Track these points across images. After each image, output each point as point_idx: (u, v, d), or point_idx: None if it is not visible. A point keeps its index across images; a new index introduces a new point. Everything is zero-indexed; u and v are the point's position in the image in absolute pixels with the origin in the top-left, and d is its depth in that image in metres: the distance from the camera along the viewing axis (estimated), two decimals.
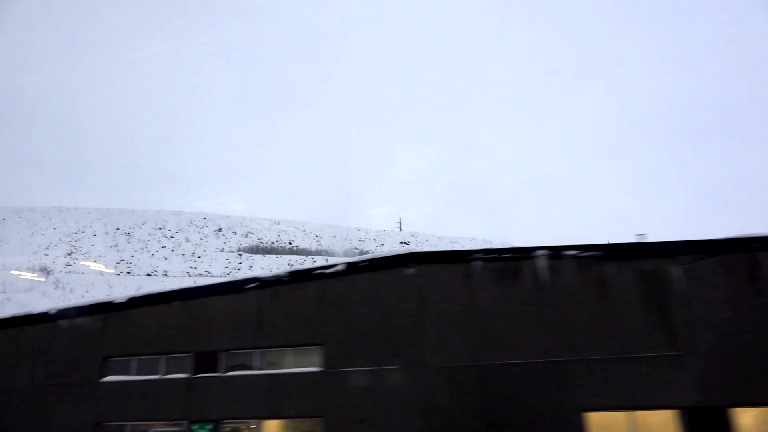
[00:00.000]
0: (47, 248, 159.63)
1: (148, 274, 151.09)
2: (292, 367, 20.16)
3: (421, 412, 18.15)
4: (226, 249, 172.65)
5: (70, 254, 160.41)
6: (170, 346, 21.58)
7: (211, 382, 20.64)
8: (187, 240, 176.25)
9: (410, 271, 19.55)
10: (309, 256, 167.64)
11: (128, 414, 21.37)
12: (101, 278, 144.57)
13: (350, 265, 20.27)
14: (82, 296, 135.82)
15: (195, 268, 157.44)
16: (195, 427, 20.39)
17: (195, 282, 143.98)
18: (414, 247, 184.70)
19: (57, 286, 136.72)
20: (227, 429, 20.38)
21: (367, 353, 19.23)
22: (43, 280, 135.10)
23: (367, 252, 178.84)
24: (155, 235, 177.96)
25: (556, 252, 18.32)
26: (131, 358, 22.06)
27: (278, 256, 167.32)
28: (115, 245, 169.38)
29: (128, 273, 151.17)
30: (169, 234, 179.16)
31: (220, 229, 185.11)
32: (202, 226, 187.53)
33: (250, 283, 21.22)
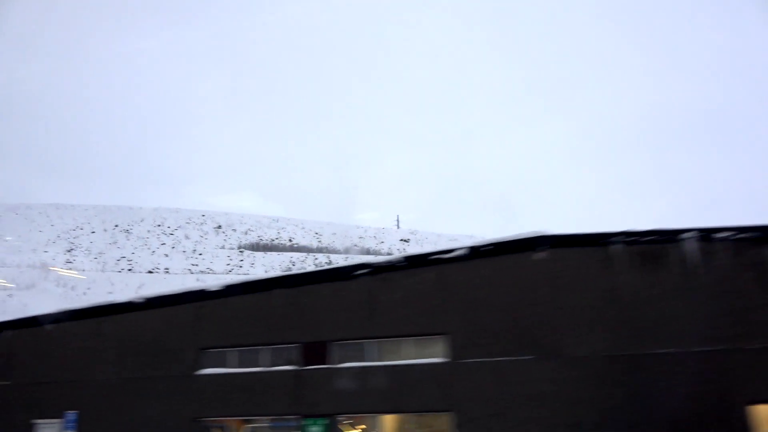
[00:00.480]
0: (46, 245, 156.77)
1: (150, 272, 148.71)
2: (411, 358, 18.82)
3: (563, 405, 16.87)
4: (227, 246, 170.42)
5: (69, 251, 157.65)
6: (273, 336, 20.16)
7: (322, 374, 19.24)
8: (187, 237, 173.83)
9: (540, 255, 18.24)
10: (311, 254, 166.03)
11: (229, 408, 19.93)
12: (102, 275, 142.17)
13: (472, 249, 18.94)
14: (84, 293, 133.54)
15: (196, 265, 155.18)
16: (307, 422, 18.99)
17: (198, 280, 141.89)
18: (414, 245, 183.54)
19: (58, 284, 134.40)
20: (346, 423, 19.05)
21: (496, 343, 17.93)
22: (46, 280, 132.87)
23: (368, 250, 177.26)
24: (154, 232, 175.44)
25: (706, 234, 17.10)
26: (229, 349, 20.61)
27: (279, 253, 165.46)
28: (115, 242, 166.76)
29: (129, 270, 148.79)
30: (168, 231, 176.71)
31: (219, 227, 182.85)
32: (201, 224, 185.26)
33: (360, 269, 19.84)
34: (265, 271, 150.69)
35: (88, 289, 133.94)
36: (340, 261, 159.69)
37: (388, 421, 18.94)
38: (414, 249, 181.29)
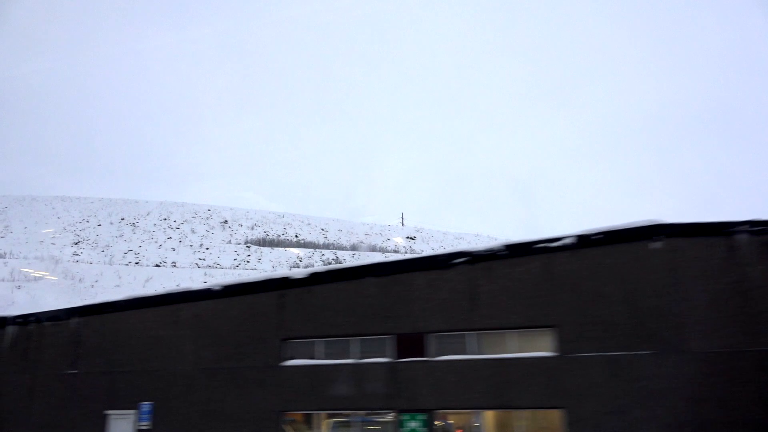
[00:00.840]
0: (53, 237, 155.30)
1: (157, 265, 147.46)
2: (515, 352, 17.80)
3: (687, 404, 15.87)
4: (233, 241, 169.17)
5: (76, 243, 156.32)
6: (364, 326, 19.10)
7: (420, 368, 18.20)
8: (193, 231, 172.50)
9: (657, 245, 17.21)
10: (317, 250, 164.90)
11: (317, 402, 18.87)
12: (110, 268, 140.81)
13: (581, 237, 17.90)
14: (92, 286, 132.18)
15: (204, 259, 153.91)
16: (405, 417, 17.95)
17: (206, 274, 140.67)
18: (420, 242, 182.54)
19: (66, 276, 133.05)
20: (452, 420, 18.02)
21: (610, 337, 16.91)
22: (55, 278, 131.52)
23: (375, 247, 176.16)
24: (160, 226, 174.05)
25: None
26: (316, 339, 19.54)
27: (286, 249, 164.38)
28: (121, 235, 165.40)
29: (137, 263, 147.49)
30: (174, 225, 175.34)
31: (225, 221, 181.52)
32: (207, 218, 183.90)
33: (458, 258, 18.79)
34: (272, 267, 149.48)
35: (96, 282, 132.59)
36: (347, 258, 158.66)
37: (492, 417, 17.90)
38: (420, 246, 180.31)
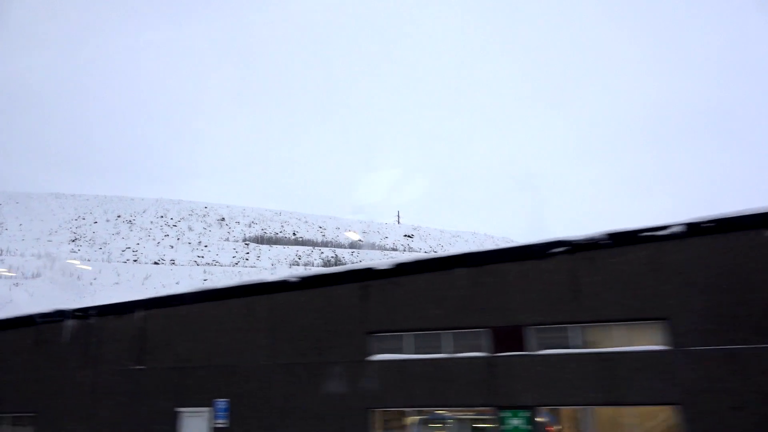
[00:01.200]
0: (49, 234, 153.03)
1: (156, 263, 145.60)
2: (623, 345, 16.83)
3: None
4: (231, 238, 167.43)
5: (74, 241, 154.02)
6: (456, 319, 18.07)
7: (520, 362, 17.18)
8: (191, 229, 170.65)
9: None
10: (316, 247, 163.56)
11: (408, 398, 17.83)
12: (108, 266, 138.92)
13: (690, 226, 16.95)
14: (90, 283, 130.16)
15: (202, 257, 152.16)
16: (506, 414, 16.94)
17: (205, 272, 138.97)
18: (418, 240, 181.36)
19: (64, 273, 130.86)
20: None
21: (727, 329, 15.97)
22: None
23: (373, 244, 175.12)
24: (157, 223, 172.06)
25: None
26: (404, 333, 18.49)
27: (285, 246, 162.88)
28: (118, 233, 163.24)
29: (135, 261, 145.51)
30: (171, 222, 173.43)
31: (222, 219, 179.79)
32: (204, 215, 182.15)
33: (557, 247, 17.79)
34: (272, 265, 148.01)
35: (95, 279, 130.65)
36: (345, 255, 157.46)
37: (600, 413, 16.93)
38: (417, 244, 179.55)
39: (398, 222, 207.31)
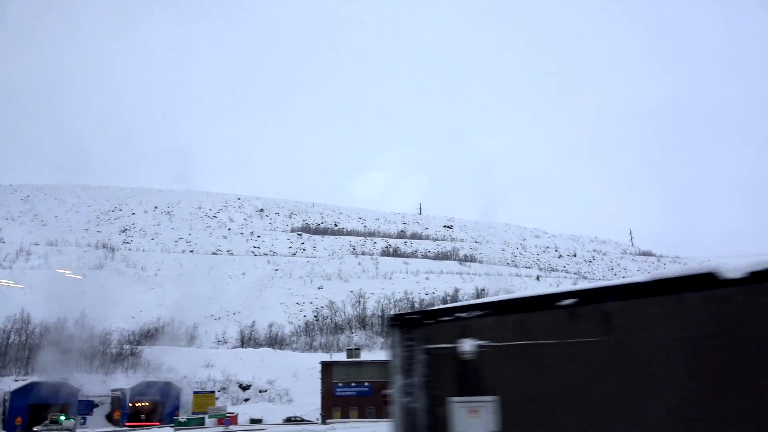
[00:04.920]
0: (88, 225, 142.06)
1: (214, 253, 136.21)
2: None
3: None
4: (276, 229, 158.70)
5: (124, 231, 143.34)
6: None
7: None
8: (231, 220, 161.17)
9: None
10: (369, 238, 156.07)
11: None
12: (169, 256, 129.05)
13: None
14: (155, 274, 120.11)
15: (258, 247, 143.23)
16: None
17: (269, 262, 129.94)
18: (457, 230, 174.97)
19: (127, 264, 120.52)
20: None
21: None
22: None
23: (415, 234, 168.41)
24: (196, 214, 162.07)
25: None
26: None
27: (337, 237, 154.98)
28: (159, 224, 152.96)
29: (191, 252, 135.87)
30: (210, 213, 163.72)
31: (261, 210, 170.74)
32: (239, 207, 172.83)
33: None
34: (329, 255, 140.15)
35: (158, 270, 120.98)
36: (399, 245, 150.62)
37: None
38: (458, 234, 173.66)
39: (420, 212, 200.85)
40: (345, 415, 47.64)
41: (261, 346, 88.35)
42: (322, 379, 57.85)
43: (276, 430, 36.74)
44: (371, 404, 48.90)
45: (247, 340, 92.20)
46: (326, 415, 47.97)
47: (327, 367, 50.01)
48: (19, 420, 51.57)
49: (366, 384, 49.04)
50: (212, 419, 52.13)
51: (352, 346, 63.58)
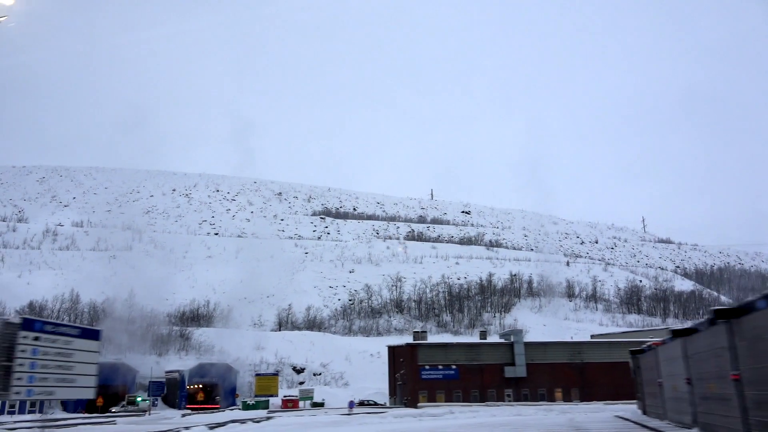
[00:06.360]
0: (118, 207, 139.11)
1: (239, 236, 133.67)
2: None
3: None
4: (297, 212, 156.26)
5: (147, 213, 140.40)
6: None
7: None
8: (250, 203, 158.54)
9: None
10: (392, 222, 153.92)
11: None
12: (196, 238, 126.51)
13: None
14: (183, 256, 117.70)
15: (283, 231, 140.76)
16: None
17: (296, 245, 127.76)
18: (475, 216, 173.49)
19: (156, 246, 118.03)
20: None
21: None
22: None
23: (435, 219, 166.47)
24: (215, 197, 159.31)
25: None
26: None
27: (359, 221, 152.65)
28: (178, 206, 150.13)
29: (216, 234, 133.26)
30: (229, 197, 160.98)
31: (280, 193, 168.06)
32: (256, 190, 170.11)
33: None
34: (353, 239, 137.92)
35: (186, 252, 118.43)
36: (422, 230, 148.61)
37: None
38: (477, 220, 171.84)
39: (432, 197, 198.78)
40: (432, 399, 45.67)
41: (298, 329, 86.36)
42: (390, 363, 55.91)
43: (396, 412, 34.82)
44: (457, 388, 46.98)
45: (285, 323, 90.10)
46: (413, 398, 46.01)
47: (411, 350, 48.01)
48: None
49: (453, 367, 47.04)
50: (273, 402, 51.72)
51: (418, 329, 61.57)
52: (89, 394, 17.08)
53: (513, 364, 47.39)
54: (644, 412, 29.84)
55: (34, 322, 14.56)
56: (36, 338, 14.26)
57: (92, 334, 17.27)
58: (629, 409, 34.50)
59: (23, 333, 13.89)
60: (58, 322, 15.33)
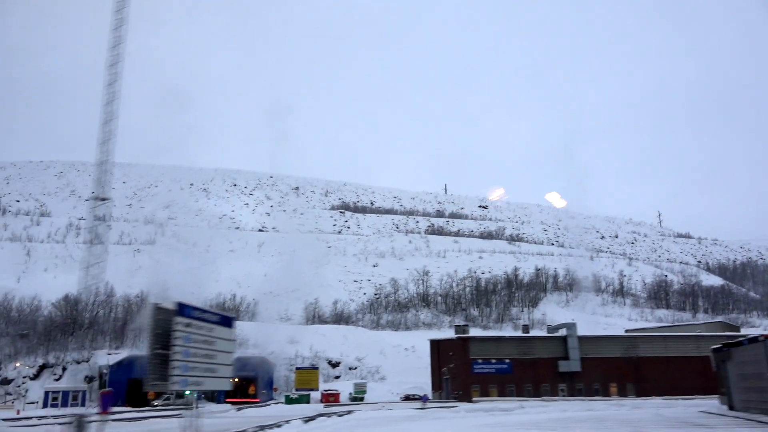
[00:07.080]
0: (139, 201, 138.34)
1: (260, 230, 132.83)
2: None
3: None
4: (315, 206, 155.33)
5: (167, 207, 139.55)
6: None
7: None
8: (268, 197, 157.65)
9: None
10: (411, 216, 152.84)
11: None
12: (217, 233, 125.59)
13: None
14: (206, 250, 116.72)
15: (303, 225, 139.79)
16: None
17: (319, 239, 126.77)
18: (493, 210, 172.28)
19: (179, 239, 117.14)
20: None
21: None
22: None
23: (453, 213, 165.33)
24: (233, 191, 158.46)
25: None
26: None
27: (378, 215, 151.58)
28: (197, 201, 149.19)
29: (237, 228, 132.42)
30: (246, 191, 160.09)
31: (297, 188, 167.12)
32: (273, 185, 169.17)
33: None
34: (373, 233, 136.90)
35: (209, 246, 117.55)
36: (441, 224, 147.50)
37: None
38: (494, 214, 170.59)
39: (445, 192, 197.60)
40: (484, 393, 44.61)
41: (326, 322, 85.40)
42: (433, 357, 54.90)
43: (466, 407, 33.91)
44: (510, 382, 45.92)
45: (312, 318, 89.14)
46: (465, 392, 44.98)
47: (463, 343, 46.97)
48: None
49: (506, 361, 45.98)
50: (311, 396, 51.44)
51: (460, 323, 60.48)
52: (227, 385, 16.16)
53: (567, 358, 46.29)
54: (731, 408, 28.71)
55: (185, 307, 13.60)
56: (188, 324, 13.31)
57: (228, 322, 16.32)
58: (707, 404, 33.42)
59: (178, 319, 12.95)
60: (203, 308, 14.35)
